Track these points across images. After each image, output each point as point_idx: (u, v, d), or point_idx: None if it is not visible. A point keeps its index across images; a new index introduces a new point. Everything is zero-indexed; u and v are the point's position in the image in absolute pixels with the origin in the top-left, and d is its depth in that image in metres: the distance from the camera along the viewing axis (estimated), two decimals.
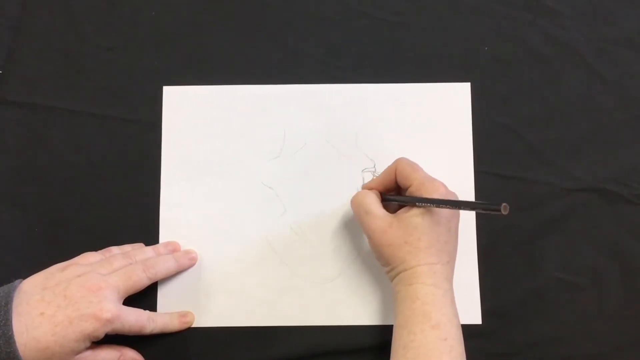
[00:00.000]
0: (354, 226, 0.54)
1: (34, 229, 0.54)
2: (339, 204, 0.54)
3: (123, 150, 0.55)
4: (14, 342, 0.41)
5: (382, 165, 0.52)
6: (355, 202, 0.50)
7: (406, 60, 0.57)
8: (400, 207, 0.49)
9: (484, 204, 0.45)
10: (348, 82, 0.56)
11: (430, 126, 0.55)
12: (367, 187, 0.52)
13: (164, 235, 0.54)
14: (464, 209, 0.45)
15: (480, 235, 0.54)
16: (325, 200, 0.54)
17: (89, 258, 0.49)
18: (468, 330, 0.47)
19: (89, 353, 0.46)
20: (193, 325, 0.52)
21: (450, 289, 0.46)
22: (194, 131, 0.55)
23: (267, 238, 0.54)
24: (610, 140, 0.55)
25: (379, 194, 0.50)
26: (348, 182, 0.55)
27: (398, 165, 0.49)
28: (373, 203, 0.48)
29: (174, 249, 0.53)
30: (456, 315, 0.46)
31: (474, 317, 0.52)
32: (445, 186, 0.47)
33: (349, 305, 0.53)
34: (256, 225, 0.54)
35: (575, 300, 0.53)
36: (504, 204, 0.40)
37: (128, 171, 0.55)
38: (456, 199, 0.47)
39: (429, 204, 0.46)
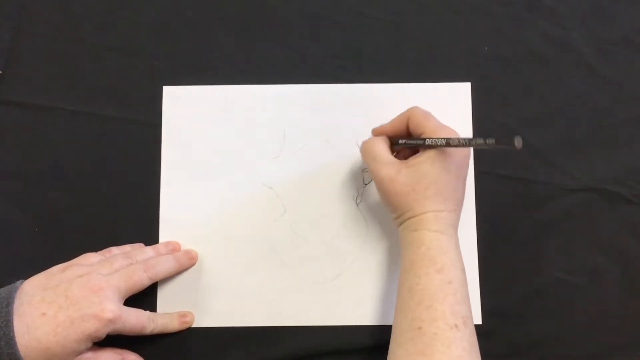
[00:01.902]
0: (354, 226, 0.54)
1: (34, 229, 0.54)
2: (339, 204, 0.54)
3: (123, 150, 0.55)
4: (15, 343, 0.41)
5: None
6: (365, 149, 0.49)
7: (406, 60, 0.57)
8: (411, 154, 0.48)
9: (497, 139, 0.42)
10: (348, 82, 0.56)
11: None
12: (377, 132, 0.51)
13: (164, 235, 0.54)
14: (476, 145, 0.44)
15: (480, 235, 0.54)
16: (325, 200, 0.54)
17: (89, 258, 0.49)
18: None
19: (90, 355, 0.46)
20: (193, 326, 0.52)
21: (455, 234, 0.47)
22: (194, 131, 0.55)
23: (267, 238, 0.54)
24: (610, 140, 0.55)
25: (389, 140, 0.49)
26: (348, 182, 0.55)
27: (411, 113, 0.48)
28: (382, 150, 0.48)
29: (174, 248, 0.53)
30: (460, 260, 0.46)
31: (474, 317, 0.51)
32: (457, 134, 0.46)
33: (349, 305, 0.53)
34: (256, 225, 0.54)
35: (575, 300, 0.53)
36: (517, 137, 0.39)
37: (128, 171, 0.55)
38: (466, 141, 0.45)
39: (439, 143, 0.45)
